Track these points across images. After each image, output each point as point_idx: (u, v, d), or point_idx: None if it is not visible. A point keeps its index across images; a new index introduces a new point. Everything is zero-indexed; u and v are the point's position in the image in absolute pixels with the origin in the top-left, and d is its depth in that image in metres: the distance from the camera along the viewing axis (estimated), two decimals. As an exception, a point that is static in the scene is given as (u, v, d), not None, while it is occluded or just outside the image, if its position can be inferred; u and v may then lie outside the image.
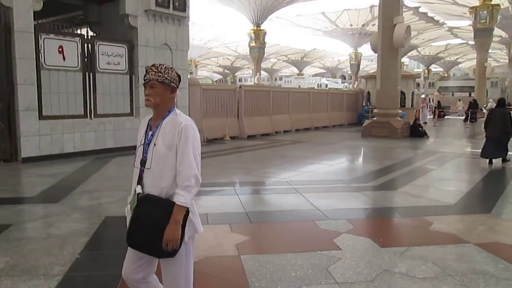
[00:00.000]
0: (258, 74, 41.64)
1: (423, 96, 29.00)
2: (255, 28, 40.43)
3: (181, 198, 2.07)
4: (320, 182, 7.49)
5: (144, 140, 2.23)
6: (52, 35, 9.68)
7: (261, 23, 40.51)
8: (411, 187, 7.04)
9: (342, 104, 22.05)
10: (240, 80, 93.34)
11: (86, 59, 10.31)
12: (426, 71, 70.26)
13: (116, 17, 11.60)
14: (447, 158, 10.63)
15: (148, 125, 2.28)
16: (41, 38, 9.43)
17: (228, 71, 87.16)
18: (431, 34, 54.17)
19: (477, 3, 30.85)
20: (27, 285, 3.24)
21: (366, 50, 60.70)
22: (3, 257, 3.79)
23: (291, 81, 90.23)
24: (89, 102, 10.48)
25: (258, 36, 40.62)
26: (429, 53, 67.24)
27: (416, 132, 15.21)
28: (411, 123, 15.78)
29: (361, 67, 60.83)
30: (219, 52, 68.34)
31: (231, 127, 14.53)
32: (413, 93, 22.01)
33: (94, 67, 10.50)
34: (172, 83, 2.21)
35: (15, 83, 9.03)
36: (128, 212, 2.21)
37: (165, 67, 2.20)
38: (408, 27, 14.31)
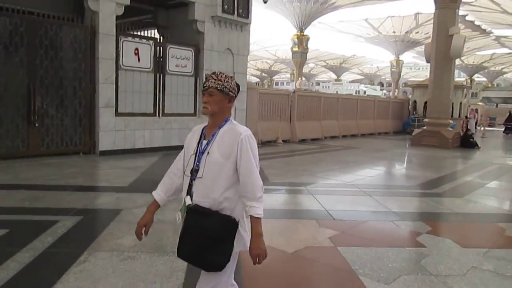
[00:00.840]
0: (300, 79, 41.99)
1: (472, 107, 28.62)
2: (298, 33, 40.80)
3: (257, 210, 2.05)
4: (385, 187, 7.84)
5: (197, 149, 2.18)
6: (130, 38, 10.43)
7: (305, 28, 40.87)
8: (476, 196, 7.28)
9: (388, 112, 22.15)
10: (277, 84, 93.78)
11: (158, 61, 11.01)
12: (469, 81, 68.62)
13: (182, 21, 12.32)
14: (504, 169, 10.72)
15: (202, 133, 2.23)
16: (120, 40, 10.18)
17: (265, 75, 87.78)
18: (477, 43, 52.94)
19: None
20: (162, 260, 3.79)
21: (407, 57, 60.04)
22: (130, 236, 4.36)
23: (329, 87, 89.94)
24: (158, 102, 11.18)
25: (302, 41, 40.96)
26: (473, 62, 65.65)
27: (467, 142, 15.22)
28: (462, 134, 15.79)
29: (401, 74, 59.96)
30: (259, 55, 69.12)
31: (283, 131, 14.99)
32: (461, 103, 21.85)
33: (164, 68, 11.19)
34: (231, 92, 2.16)
35: (97, 82, 9.80)
36: (179, 221, 2.19)
37: (225, 75, 2.17)
38: (464, 37, 14.37)
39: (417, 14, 44.47)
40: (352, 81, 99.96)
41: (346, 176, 8.74)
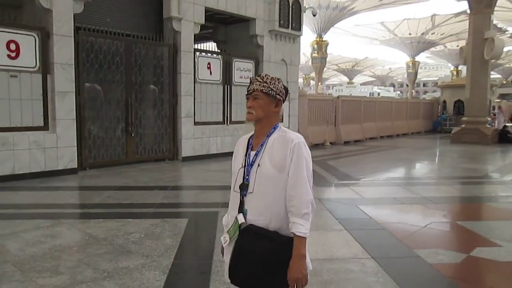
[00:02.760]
0: (320, 83, 43.03)
1: (499, 103, 29.36)
2: (318, 39, 41.89)
3: (300, 228, 1.80)
4: (456, 178, 8.79)
5: (245, 162, 1.98)
6: (203, 54, 11.53)
7: (324, 34, 41.97)
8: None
9: (419, 112, 23.04)
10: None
11: (225, 74, 12.08)
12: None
13: (239, 36, 13.43)
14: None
15: (248, 144, 2.04)
16: (196, 57, 11.28)
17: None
18: (492, 42, 53.66)
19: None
20: (334, 233, 4.80)
21: (420, 58, 60.85)
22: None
23: (342, 90, 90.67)
24: (226, 111, 12.24)
25: (321, 46, 42.02)
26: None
27: (505, 138, 16.08)
28: (499, 130, 16.67)
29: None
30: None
31: (330, 134, 15.97)
32: (490, 101, 22.64)
33: (231, 80, 12.27)
34: (278, 95, 1.98)
35: (179, 94, 10.89)
36: (226, 243, 1.97)
37: (271, 77, 2.00)
38: (504, 40, 15.28)
39: (433, 15, 45.34)
40: (364, 83, 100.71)
41: (414, 171, 9.73)
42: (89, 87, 9.32)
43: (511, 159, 12.16)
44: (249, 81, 2.03)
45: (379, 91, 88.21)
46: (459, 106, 22.54)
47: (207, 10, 11.60)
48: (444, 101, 23.69)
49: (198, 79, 11.39)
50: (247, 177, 1.94)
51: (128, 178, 8.40)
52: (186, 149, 11.11)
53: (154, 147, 10.66)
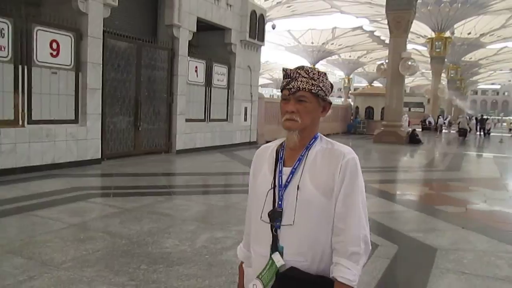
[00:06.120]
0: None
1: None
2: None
3: (346, 273, 1.34)
4: (419, 169, 11.55)
5: (276, 181, 1.47)
6: (193, 58, 12.91)
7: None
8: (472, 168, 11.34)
9: (337, 115, 26.45)
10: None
11: (207, 77, 13.59)
12: (369, 86, 77.87)
13: (210, 42, 14.94)
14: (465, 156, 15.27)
15: (280, 158, 1.52)
16: (187, 60, 12.63)
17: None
18: (379, 54, 61.04)
19: (429, 34, 37.04)
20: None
21: (321, 66, 66.85)
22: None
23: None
24: (207, 110, 13.75)
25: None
26: (373, 70, 74.68)
27: (414, 139, 19.87)
28: (409, 133, 20.51)
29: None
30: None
31: (279, 132, 18.17)
32: (383, 108, 26.85)
33: (211, 82, 13.81)
34: (327, 97, 1.47)
35: (175, 94, 12.16)
36: None
37: (318, 72, 1.47)
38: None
39: (334, 28, 50.58)
40: (262, 85, 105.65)
41: (374, 162, 12.33)
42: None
43: (432, 155, 15.67)
44: (284, 74, 1.49)
45: (278, 93, 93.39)
46: (369, 112, 26.47)
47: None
48: (357, 107, 27.51)
49: (188, 80, 12.75)
50: (279, 202, 1.45)
51: (157, 167, 9.66)
52: (179, 143, 12.42)
53: (155, 141, 11.80)
